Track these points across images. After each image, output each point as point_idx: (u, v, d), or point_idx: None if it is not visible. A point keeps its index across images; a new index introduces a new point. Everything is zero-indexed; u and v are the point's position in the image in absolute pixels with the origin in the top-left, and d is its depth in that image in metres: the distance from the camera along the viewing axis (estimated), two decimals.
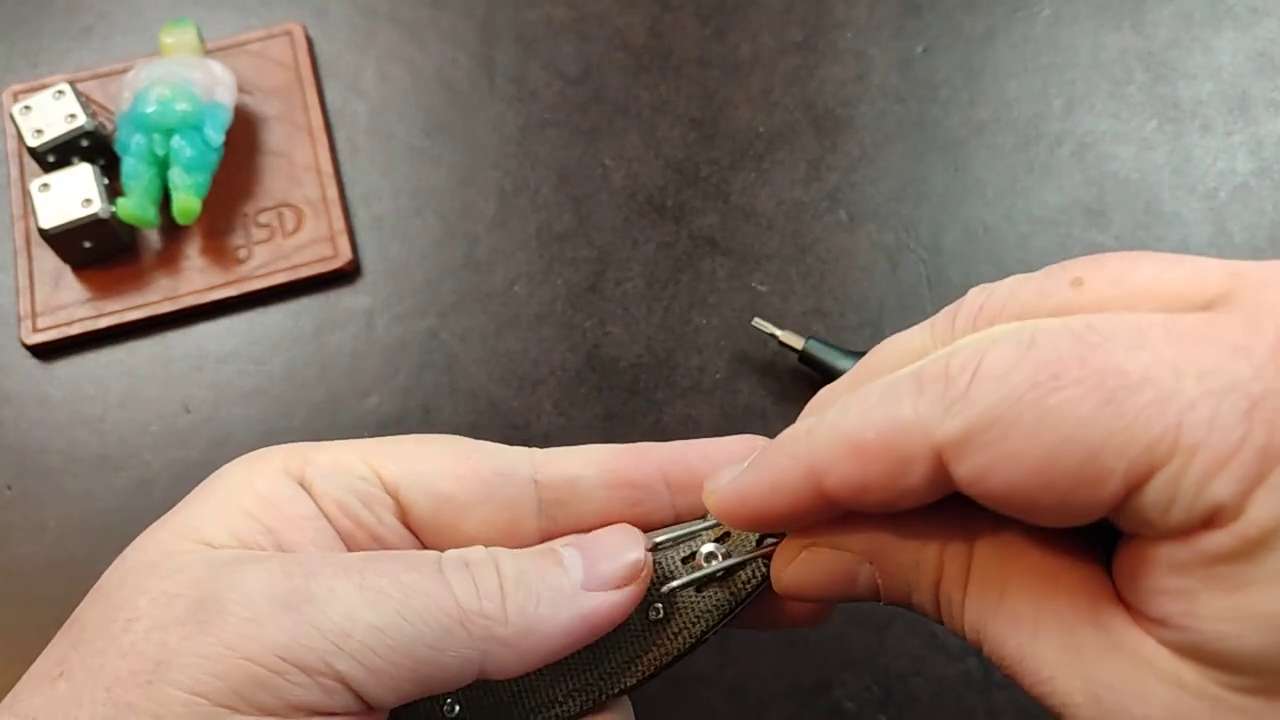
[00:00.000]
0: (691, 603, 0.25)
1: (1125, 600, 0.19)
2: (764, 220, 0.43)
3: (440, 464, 0.25)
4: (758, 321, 0.39)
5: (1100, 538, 0.20)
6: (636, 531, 0.25)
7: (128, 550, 0.24)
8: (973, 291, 0.21)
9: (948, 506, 0.20)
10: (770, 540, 0.25)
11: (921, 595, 0.22)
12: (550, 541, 0.24)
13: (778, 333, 0.39)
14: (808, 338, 0.38)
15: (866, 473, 0.20)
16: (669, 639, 0.25)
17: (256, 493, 0.24)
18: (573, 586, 0.23)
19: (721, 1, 0.48)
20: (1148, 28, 0.46)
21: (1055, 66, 0.46)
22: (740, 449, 0.25)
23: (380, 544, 0.24)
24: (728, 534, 0.25)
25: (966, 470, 0.18)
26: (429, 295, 0.42)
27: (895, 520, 0.21)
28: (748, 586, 0.25)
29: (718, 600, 0.25)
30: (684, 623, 0.25)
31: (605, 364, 0.41)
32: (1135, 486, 0.17)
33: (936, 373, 0.19)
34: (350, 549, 0.24)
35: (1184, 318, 0.18)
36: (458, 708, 0.25)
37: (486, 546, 0.23)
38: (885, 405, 0.19)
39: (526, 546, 0.25)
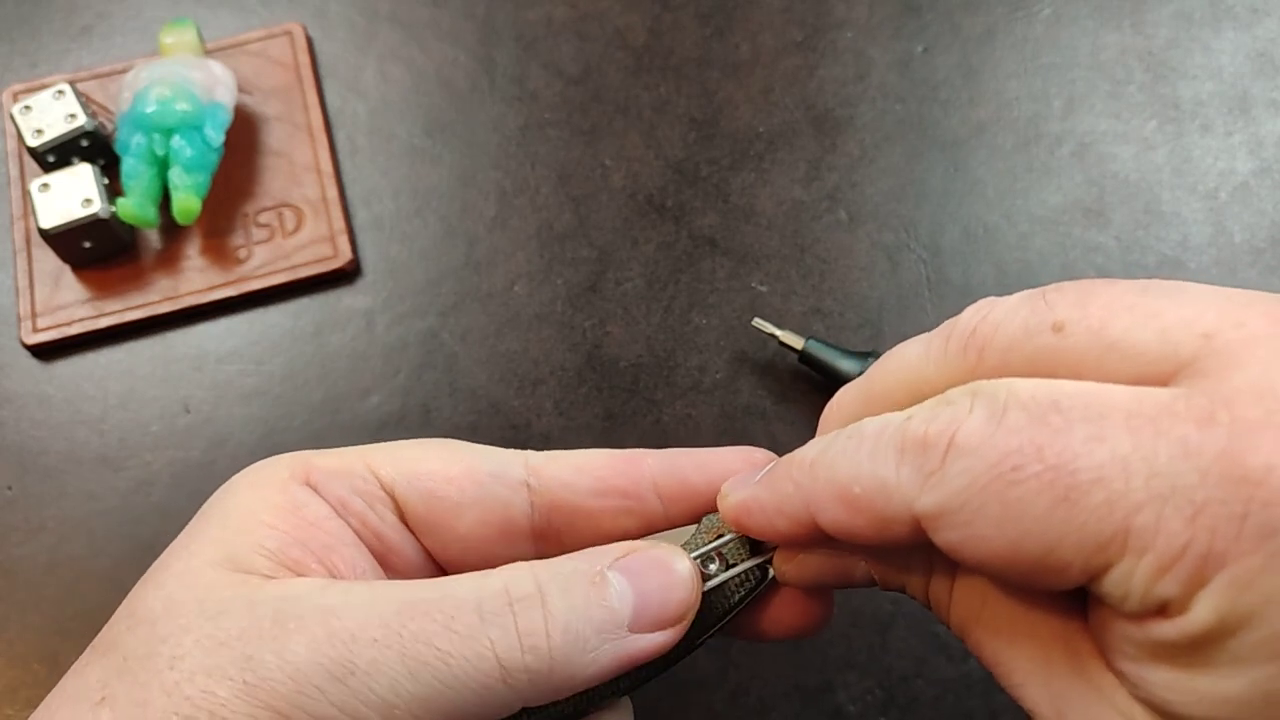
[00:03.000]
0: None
1: (1098, 647, 0.20)
2: (764, 220, 0.43)
3: (435, 466, 0.25)
4: (758, 321, 0.39)
5: None
6: (686, 562, 0.24)
7: (160, 575, 0.24)
8: (969, 311, 0.22)
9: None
10: (768, 548, 0.25)
11: (914, 590, 0.23)
12: (600, 557, 0.24)
13: (778, 333, 0.39)
14: (807, 338, 0.38)
15: (854, 522, 0.21)
16: None
17: (274, 504, 0.24)
18: (619, 626, 0.23)
19: (721, 1, 0.48)
20: (1148, 28, 0.46)
21: (1055, 66, 0.46)
22: (734, 461, 0.26)
23: (382, 541, 0.25)
24: (736, 542, 0.25)
25: (942, 541, 0.20)
26: (429, 295, 0.42)
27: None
28: (734, 597, 0.25)
29: (712, 606, 0.25)
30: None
31: (605, 364, 0.41)
32: (1094, 577, 0.18)
33: (916, 441, 0.20)
34: (362, 543, 0.25)
35: (1146, 399, 0.18)
36: None
37: (530, 567, 0.23)
38: (872, 464, 0.21)
39: (520, 544, 0.26)
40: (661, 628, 0.23)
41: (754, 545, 0.26)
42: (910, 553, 0.23)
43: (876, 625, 0.36)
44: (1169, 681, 0.19)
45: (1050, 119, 0.45)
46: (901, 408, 0.22)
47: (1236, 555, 0.17)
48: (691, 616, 0.24)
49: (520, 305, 0.42)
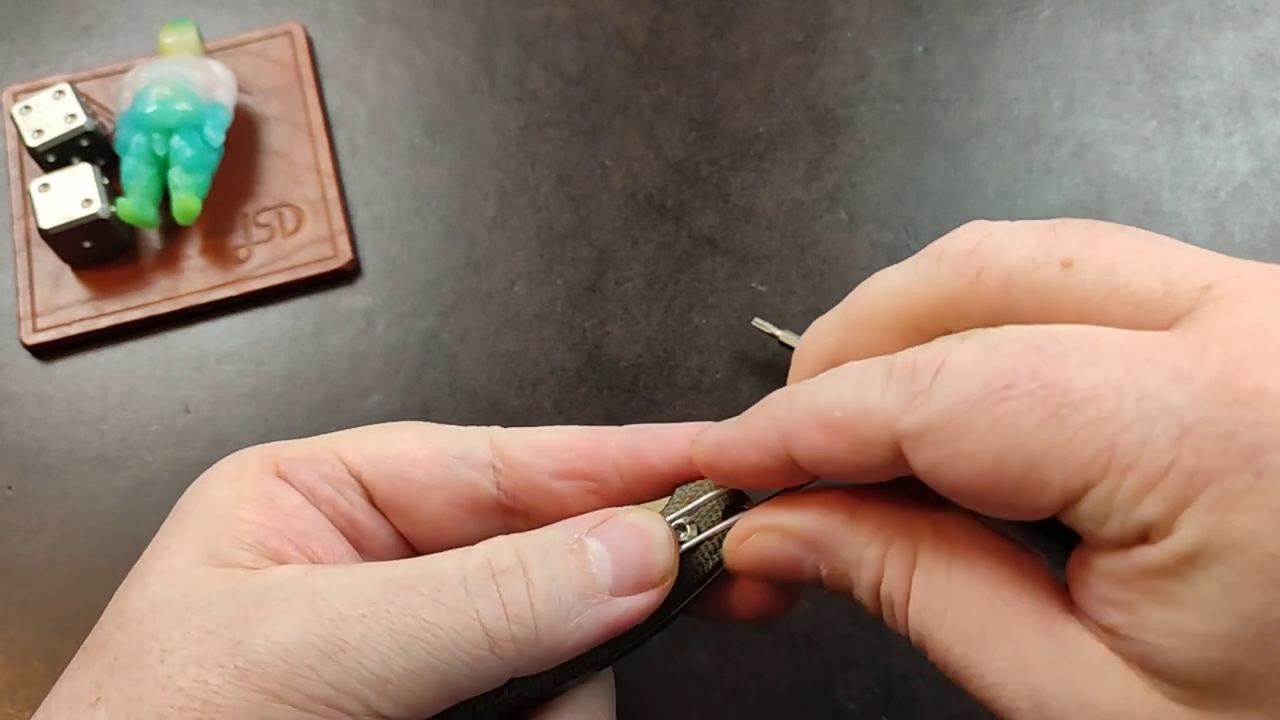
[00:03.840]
0: None
1: (1079, 607, 0.20)
2: (764, 220, 0.43)
3: (401, 449, 0.26)
4: (758, 321, 0.39)
5: (1060, 539, 0.21)
6: (662, 524, 0.25)
7: (143, 575, 0.24)
8: (963, 230, 0.22)
9: (894, 513, 0.22)
10: (739, 516, 0.25)
11: (862, 592, 0.23)
12: (578, 526, 0.24)
13: (778, 333, 0.39)
14: None
15: (831, 446, 0.21)
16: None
17: (248, 497, 0.24)
18: (600, 592, 0.23)
19: (721, 1, 0.48)
20: (1148, 28, 0.46)
21: (1055, 66, 0.46)
22: (695, 432, 0.26)
23: (355, 525, 0.26)
24: (728, 503, 0.26)
25: (921, 461, 0.20)
26: (429, 295, 0.42)
27: (841, 518, 0.23)
28: (707, 564, 0.25)
29: (686, 575, 0.25)
30: None
31: (605, 364, 0.41)
32: (1072, 499, 0.18)
33: (905, 365, 0.20)
34: (336, 529, 0.25)
35: (1141, 337, 0.19)
36: None
37: (510, 540, 0.24)
38: (857, 388, 0.21)
39: (490, 521, 0.26)
40: (642, 590, 0.24)
41: (726, 514, 0.26)
42: (865, 545, 0.22)
43: (877, 624, 0.35)
44: (1160, 624, 0.18)
45: (1050, 119, 0.45)
46: (885, 333, 0.22)
47: (1222, 473, 0.17)
48: (671, 579, 0.24)
49: (520, 305, 0.42)
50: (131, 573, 0.24)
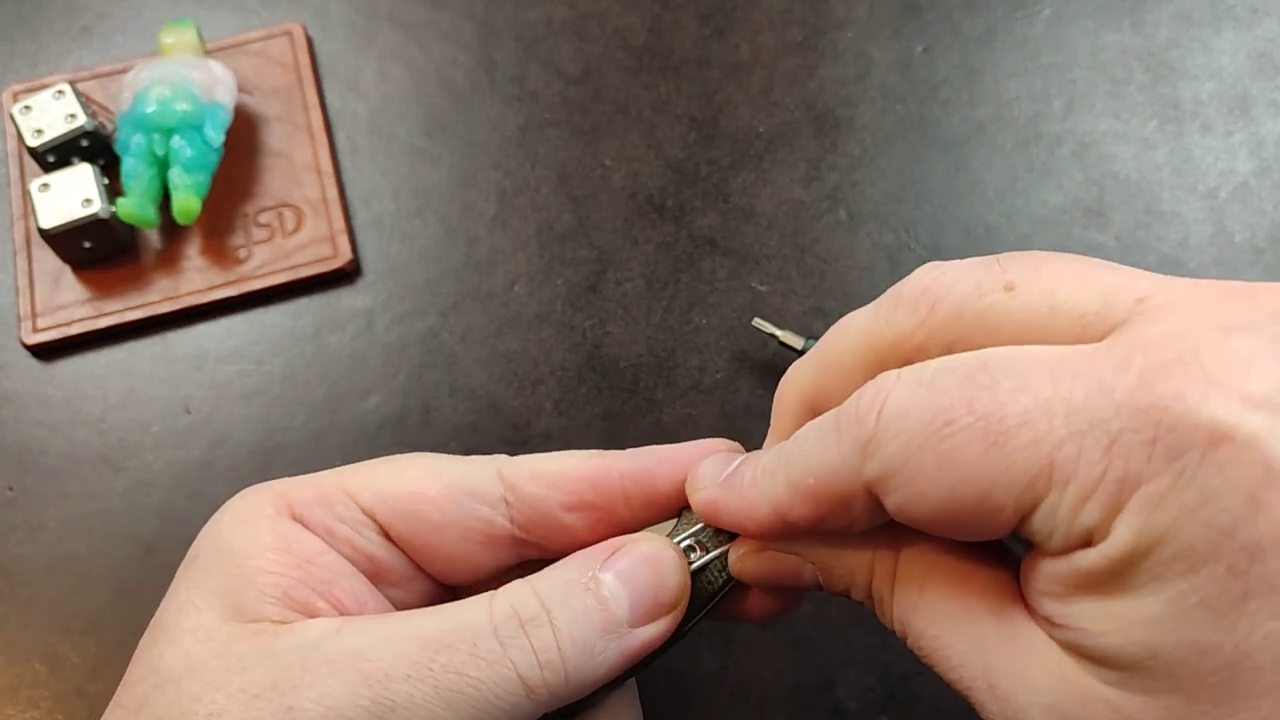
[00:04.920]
0: None
1: (1025, 600, 0.22)
2: (764, 220, 0.43)
3: (413, 488, 0.26)
4: (758, 321, 0.39)
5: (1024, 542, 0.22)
6: (671, 550, 0.26)
7: (173, 633, 0.24)
8: (919, 272, 0.23)
9: (880, 526, 0.24)
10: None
11: (857, 592, 0.25)
12: (590, 561, 0.25)
13: (778, 333, 0.38)
14: (808, 338, 0.38)
15: (820, 511, 0.23)
16: None
17: (265, 544, 0.25)
18: (619, 625, 0.24)
19: (721, 1, 0.48)
20: (1148, 28, 0.46)
21: (1055, 66, 0.46)
22: (702, 452, 0.27)
23: (374, 562, 0.26)
24: (715, 530, 0.26)
25: (892, 503, 0.21)
26: (429, 295, 0.42)
27: (835, 535, 0.24)
28: (717, 582, 0.26)
29: (698, 593, 0.26)
30: None
31: (605, 364, 0.41)
32: (1025, 515, 0.20)
33: (849, 414, 0.22)
34: (356, 569, 0.26)
35: (1068, 354, 0.20)
36: None
37: (530, 585, 0.24)
38: (818, 451, 0.22)
39: (503, 552, 0.27)
40: (658, 617, 0.25)
41: (729, 535, 0.26)
42: (855, 554, 0.24)
43: (877, 623, 0.36)
44: (1093, 613, 0.20)
45: (1050, 119, 0.45)
46: (854, 373, 0.24)
47: (1149, 476, 0.18)
48: (685, 602, 0.25)
49: (520, 305, 0.42)
50: (155, 625, 0.25)
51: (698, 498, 0.25)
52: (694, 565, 0.26)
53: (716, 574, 0.26)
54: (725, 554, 0.26)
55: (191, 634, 0.24)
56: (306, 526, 0.25)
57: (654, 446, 0.27)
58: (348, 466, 0.27)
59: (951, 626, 0.22)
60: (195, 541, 0.26)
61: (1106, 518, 0.19)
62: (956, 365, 0.21)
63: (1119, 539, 0.19)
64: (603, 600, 0.24)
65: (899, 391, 0.21)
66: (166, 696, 0.23)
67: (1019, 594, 0.22)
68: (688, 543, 0.26)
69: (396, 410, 0.40)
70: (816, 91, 0.46)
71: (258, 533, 0.25)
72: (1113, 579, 0.19)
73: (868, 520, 0.22)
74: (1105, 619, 0.19)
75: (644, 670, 0.26)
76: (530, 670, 0.23)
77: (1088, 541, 0.19)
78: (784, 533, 0.24)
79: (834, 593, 0.25)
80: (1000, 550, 0.23)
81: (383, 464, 0.27)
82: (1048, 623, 0.21)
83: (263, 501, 0.26)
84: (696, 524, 0.26)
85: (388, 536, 0.26)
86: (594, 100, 0.46)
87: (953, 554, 0.23)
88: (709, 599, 0.26)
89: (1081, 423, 0.19)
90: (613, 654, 0.24)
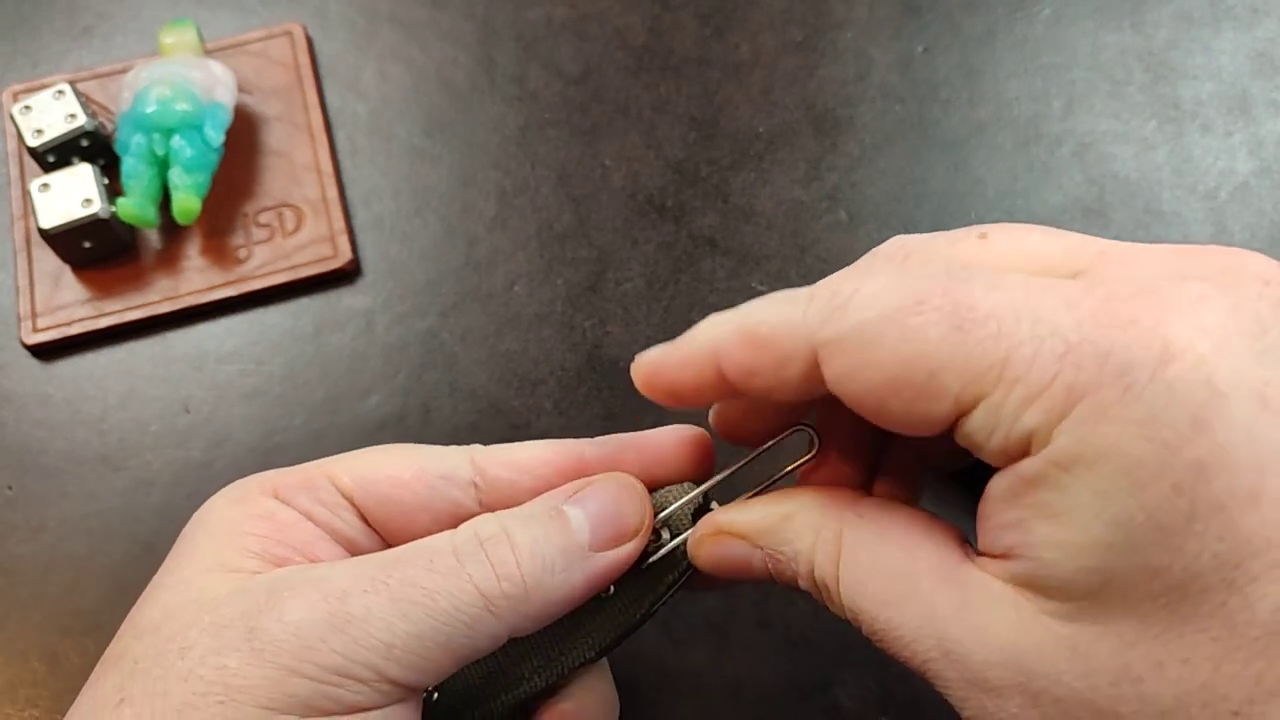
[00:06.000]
0: (636, 578, 0.27)
1: (980, 549, 0.22)
2: (764, 220, 0.43)
3: (389, 471, 0.27)
4: None
5: (969, 508, 0.23)
6: (634, 482, 0.27)
7: (155, 591, 0.25)
8: (893, 240, 0.25)
9: (824, 507, 0.25)
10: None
11: (804, 580, 0.25)
12: (554, 498, 0.26)
13: None
14: None
15: (755, 358, 0.23)
16: (619, 612, 0.27)
17: (251, 515, 0.26)
18: (581, 549, 0.25)
19: (721, 1, 0.48)
20: (1148, 28, 0.46)
21: (1055, 66, 0.46)
22: (668, 440, 0.28)
23: (350, 544, 0.27)
24: (696, 507, 0.27)
25: (833, 370, 0.22)
26: (429, 295, 0.42)
27: (778, 516, 0.25)
28: (685, 561, 0.27)
29: (660, 574, 0.27)
30: (632, 597, 0.27)
31: (605, 364, 0.41)
32: (965, 409, 0.20)
33: (827, 287, 0.22)
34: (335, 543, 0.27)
35: (1043, 278, 0.21)
36: (436, 694, 0.27)
37: (494, 514, 0.25)
38: (781, 306, 0.23)
39: None
40: (620, 543, 0.26)
41: (695, 517, 0.27)
42: (797, 538, 0.25)
43: None
44: (1044, 537, 0.20)
45: (1050, 119, 0.45)
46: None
47: (1096, 387, 0.19)
48: (648, 528, 0.26)
49: (520, 305, 0.42)
50: (145, 591, 0.26)
51: (640, 367, 0.26)
52: (661, 549, 0.27)
53: (681, 557, 0.27)
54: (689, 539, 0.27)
55: (171, 588, 0.25)
56: (290, 507, 0.27)
57: (621, 434, 0.28)
58: (333, 456, 0.28)
59: (900, 604, 0.22)
60: (188, 523, 0.27)
61: (1049, 423, 0.19)
62: (940, 262, 0.22)
63: (1060, 445, 0.19)
64: (565, 525, 0.25)
65: (880, 277, 0.22)
66: (144, 644, 0.23)
67: (967, 554, 0.22)
68: (655, 527, 0.27)
69: (396, 410, 0.40)
70: (816, 91, 0.46)
71: (243, 507, 0.26)
72: (1056, 492, 0.20)
73: (793, 389, 0.23)
74: (1057, 544, 0.20)
75: (617, 645, 0.27)
76: (488, 582, 0.24)
77: (1026, 449, 0.20)
78: (716, 387, 0.24)
79: (783, 582, 0.25)
80: (942, 525, 0.24)
81: (364, 452, 0.28)
82: (1002, 559, 0.21)
83: (250, 484, 0.27)
84: (663, 509, 0.27)
85: (365, 521, 0.27)
86: (594, 100, 0.46)
87: (900, 528, 0.23)
88: (674, 581, 0.27)
89: (1043, 329, 0.19)
90: (575, 576, 0.25)
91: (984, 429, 0.20)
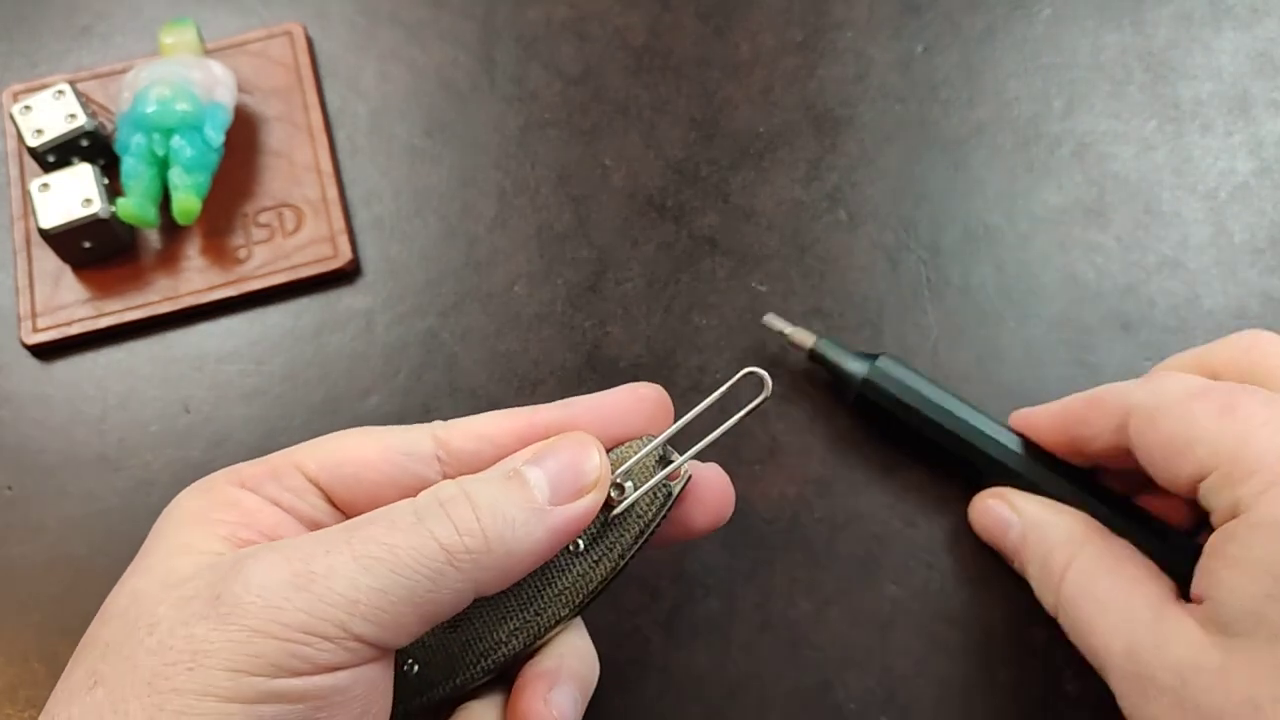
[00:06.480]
0: (605, 532, 0.28)
1: (1194, 593, 0.28)
2: (764, 220, 0.43)
3: (354, 454, 0.28)
4: (769, 318, 0.39)
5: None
6: (588, 437, 0.27)
7: (123, 581, 0.26)
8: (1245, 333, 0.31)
9: (1083, 520, 0.33)
10: (671, 468, 0.28)
11: (1035, 567, 0.33)
12: (512, 461, 0.27)
13: (788, 330, 0.38)
14: (819, 336, 0.38)
15: (1088, 415, 0.32)
16: (591, 567, 0.28)
17: (217, 504, 0.27)
18: (541, 504, 0.25)
19: (721, 1, 0.48)
20: (1148, 28, 0.46)
21: (1055, 66, 0.46)
22: (624, 400, 0.29)
23: (317, 527, 0.27)
24: (659, 456, 0.28)
25: (1133, 425, 0.30)
26: (429, 295, 0.42)
27: (1052, 510, 0.33)
28: (651, 511, 0.28)
29: (627, 526, 0.28)
30: (602, 551, 0.28)
31: (605, 364, 0.41)
32: (1203, 475, 0.28)
33: (1148, 374, 0.32)
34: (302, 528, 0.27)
35: None
36: (416, 666, 0.27)
37: (454, 480, 0.26)
38: (1117, 384, 0.32)
39: None
40: (580, 496, 0.26)
41: (660, 465, 0.28)
42: (1058, 528, 0.33)
43: (876, 624, 0.36)
44: (1221, 581, 0.27)
45: (1050, 119, 0.45)
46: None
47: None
48: (605, 479, 0.27)
49: (520, 305, 0.42)
50: (115, 586, 0.26)
51: (1016, 417, 0.35)
52: (626, 500, 0.28)
53: (646, 507, 0.28)
54: (655, 487, 0.28)
55: (138, 574, 0.25)
56: (257, 495, 0.27)
57: (579, 397, 0.29)
58: (297, 445, 0.28)
59: (1112, 607, 0.29)
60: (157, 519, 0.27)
61: (1254, 493, 0.26)
62: (1235, 379, 0.30)
63: (1255, 510, 0.26)
64: (524, 484, 0.26)
65: (1184, 378, 0.30)
66: (113, 628, 0.24)
67: (1172, 595, 0.29)
68: (617, 481, 0.28)
69: (396, 410, 0.40)
70: (816, 91, 0.46)
71: (210, 498, 0.27)
72: (1242, 544, 0.26)
73: (1104, 437, 0.32)
74: (1231, 590, 0.26)
75: (591, 603, 0.28)
76: (449, 537, 0.24)
77: (1234, 513, 0.27)
78: (1060, 428, 0.34)
79: (1020, 561, 0.33)
80: (1166, 573, 0.30)
81: (328, 438, 0.29)
82: (1197, 603, 0.28)
83: (217, 478, 0.28)
84: (624, 462, 0.28)
85: (333, 504, 0.28)
86: (594, 100, 0.46)
87: (1125, 561, 0.30)
88: (642, 531, 0.28)
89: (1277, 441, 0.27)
90: (537, 530, 0.25)
91: (1213, 490, 0.28)
